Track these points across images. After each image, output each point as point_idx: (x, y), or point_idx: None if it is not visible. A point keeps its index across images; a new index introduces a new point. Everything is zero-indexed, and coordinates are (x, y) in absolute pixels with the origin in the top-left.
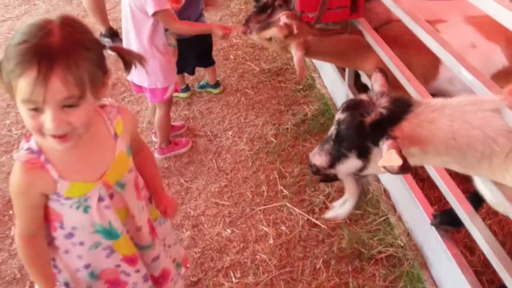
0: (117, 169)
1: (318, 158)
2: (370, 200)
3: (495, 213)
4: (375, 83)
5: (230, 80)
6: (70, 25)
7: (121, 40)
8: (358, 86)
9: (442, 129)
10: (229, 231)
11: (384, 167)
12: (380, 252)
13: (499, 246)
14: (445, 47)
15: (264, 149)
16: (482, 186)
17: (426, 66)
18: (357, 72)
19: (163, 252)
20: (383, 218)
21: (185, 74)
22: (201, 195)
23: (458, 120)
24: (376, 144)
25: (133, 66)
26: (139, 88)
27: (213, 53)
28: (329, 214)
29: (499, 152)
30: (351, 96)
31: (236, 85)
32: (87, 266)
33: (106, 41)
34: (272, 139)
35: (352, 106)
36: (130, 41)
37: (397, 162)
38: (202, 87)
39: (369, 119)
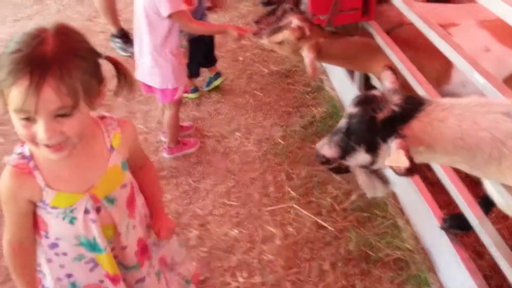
0: (107, 183)
1: (327, 149)
2: (378, 203)
3: (505, 217)
4: (386, 80)
5: (239, 81)
6: (64, 33)
7: (131, 41)
8: (367, 88)
9: (451, 128)
10: (236, 231)
11: (390, 167)
12: (387, 255)
13: (508, 251)
14: (457, 50)
15: (272, 150)
16: (492, 189)
17: (439, 70)
18: (366, 74)
19: (153, 275)
20: (391, 221)
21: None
22: (209, 195)
23: (467, 120)
24: (385, 141)
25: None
26: (149, 88)
27: (222, 54)
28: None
29: (509, 155)
30: None
31: (245, 87)
32: (69, 276)
33: (117, 42)
34: (280, 140)
35: (364, 101)
36: (143, 42)
37: (404, 163)
38: (208, 84)
39: (381, 115)
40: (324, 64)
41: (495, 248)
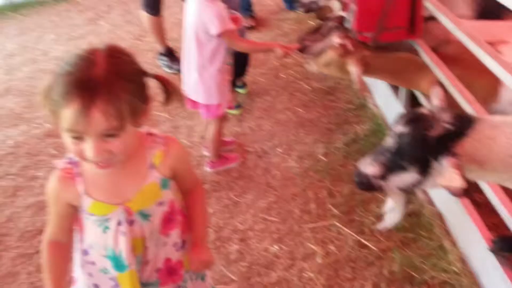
0: (143, 199)
1: (371, 168)
2: (423, 224)
3: None
4: (434, 97)
5: (281, 98)
6: (114, 56)
7: (177, 58)
8: (412, 106)
9: (501, 146)
10: (276, 247)
11: (443, 186)
12: (433, 278)
13: None
14: (507, 69)
15: (314, 167)
16: None
17: (487, 88)
18: (411, 91)
19: None
20: (437, 242)
21: (237, 91)
22: (250, 210)
23: None
24: (437, 159)
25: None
26: (194, 103)
27: (263, 71)
28: (381, 226)
29: None
30: None
31: (287, 103)
32: (96, 286)
33: (164, 60)
34: (321, 157)
35: (414, 119)
36: (190, 59)
37: (458, 183)
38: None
39: (433, 133)
40: (368, 81)
41: None
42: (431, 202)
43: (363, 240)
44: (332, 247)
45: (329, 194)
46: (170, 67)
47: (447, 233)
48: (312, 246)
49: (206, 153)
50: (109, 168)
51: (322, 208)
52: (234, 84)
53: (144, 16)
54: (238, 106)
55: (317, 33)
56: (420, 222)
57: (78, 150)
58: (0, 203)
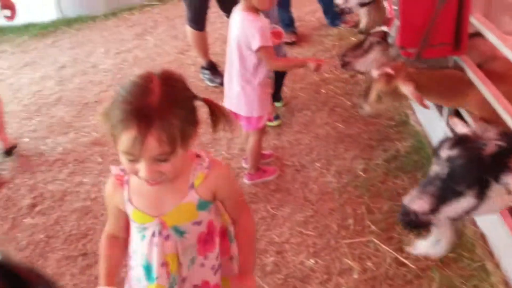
0: (178, 215)
1: (420, 203)
2: (464, 244)
3: None
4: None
5: (320, 113)
6: (168, 84)
7: (219, 72)
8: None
9: None
10: (312, 261)
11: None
12: None
13: None
14: None
15: (352, 182)
16: None
17: None
18: (456, 109)
19: None
20: (479, 263)
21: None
22: (286, 223)
23: None
24: (497, 178)
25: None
26: (235, 116)
27: (303, 86)
28: (418, 250)
29: None
30: (449, 133)
31: (326, 118)
32: None
33: (206, 73)
34: (361, 173)
35: (461, 141)
36: (233, 72)
37: None
38: None
39: (488, 152)
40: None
41: None
42: (473, 223)
43: (401, 258)
44: (369, 264)
45: (367, 210)
46: (211, 81)
47: (490, 254)
48: (349, 262)
49: (245, 165)
50: (158, 186)
51: (360, 224)
52: (274, 97)
53: (189, 31)
54: (276, 117)
55: (358, 48)
56: (461, 242)
57: (132, 169)
58: (49, 207)
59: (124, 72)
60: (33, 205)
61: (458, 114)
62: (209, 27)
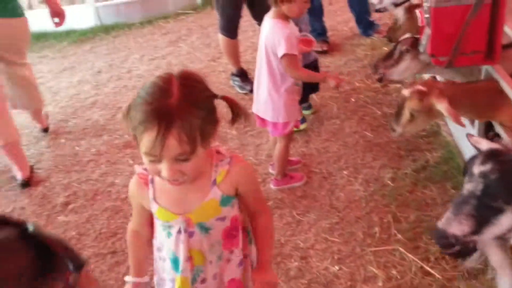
0: (202, 213)
1: (458, 226)
2: None
3: None
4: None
5: (349, 122)
6: (187, 85)
7: (249, 79)
8: (487, 136)
9: None
10: (337, 267)
11: None
12: None
13: None
14: None
15: (380, 191)
16: None
17: None
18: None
19: None
20: None
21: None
22: (312, 229)
23: None
24: None
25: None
26: (263, 121)
27: (333, 95)
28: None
29: None
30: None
31: (355, 127)
32: (172, 280)
33: (236, 80)
34: (389, 182)
35: (492, 156)
36: (261, 79)
37: None
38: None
39: None
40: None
41: None
42: None
43: (427, 267)
44: (394, 272)
45: (394, 219)
46: (242, 88)
47: None
48: (374, 270)
49: (272, 170)
50: (180, 185)
51: (386, 232)
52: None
53: (221, 39)
54: (303, 120)
55: (389, 59)
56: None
57: (154, 170)
58: (81, 205)
59: None
60: (67, 203)
61: (490, 126)
62: (241, 36)
